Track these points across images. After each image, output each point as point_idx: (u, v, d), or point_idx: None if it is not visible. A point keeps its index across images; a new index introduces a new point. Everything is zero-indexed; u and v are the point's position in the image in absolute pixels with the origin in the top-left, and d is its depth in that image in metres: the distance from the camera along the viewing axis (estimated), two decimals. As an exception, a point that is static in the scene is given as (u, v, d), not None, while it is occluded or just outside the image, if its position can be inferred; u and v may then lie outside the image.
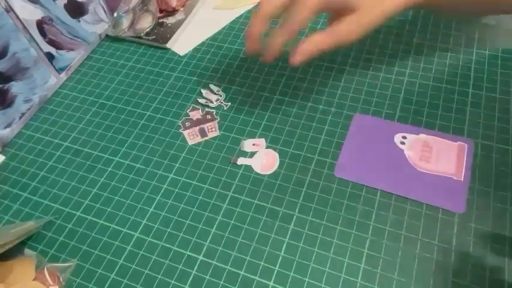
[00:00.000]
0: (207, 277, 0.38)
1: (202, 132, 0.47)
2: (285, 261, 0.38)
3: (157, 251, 0.40)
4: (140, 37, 0.59)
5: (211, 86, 0.52)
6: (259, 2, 0.41)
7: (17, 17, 0.47)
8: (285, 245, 0.39)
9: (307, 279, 0.37)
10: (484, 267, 0.36)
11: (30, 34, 0.49)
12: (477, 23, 0.54)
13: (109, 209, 0.43)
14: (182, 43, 0.58)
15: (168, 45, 0.57)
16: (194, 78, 0.53)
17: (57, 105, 0.53)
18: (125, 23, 0.60)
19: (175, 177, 0.44)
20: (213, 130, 0.47)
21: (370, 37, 0.54)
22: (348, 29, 0.39)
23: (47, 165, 0.47)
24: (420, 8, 0.48)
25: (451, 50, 0.52)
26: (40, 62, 0.51)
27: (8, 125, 0.49)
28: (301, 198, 0.42)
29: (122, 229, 0.41)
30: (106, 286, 0.38)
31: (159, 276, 0.38)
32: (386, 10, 0.39)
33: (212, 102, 0.50)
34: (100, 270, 0.39)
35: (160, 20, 0.61)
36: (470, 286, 0.35)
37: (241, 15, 0.60)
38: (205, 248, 0.39)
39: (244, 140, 0.46)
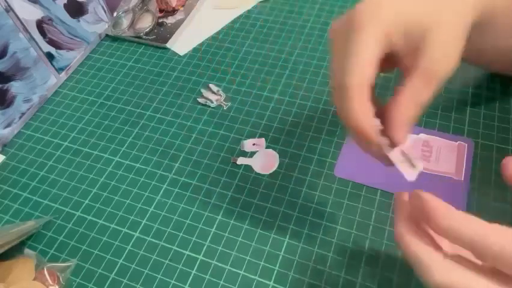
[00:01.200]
0: (207, 277, 0.38)
1: None
2: (285, 261, 0.38)
3: (157, 251, 0.40)
4: (140, 37, 0.59)
5: (211, 86, 0.52)
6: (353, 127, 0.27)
7: (17, 17, 0.47)
8: (285, 245, 0.39)
9: (307, 279, 0.37)
10: (484, 267, 0.36)
11: (30, 34, 0.49)
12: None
13: (109, 209, 0.43)
14: (182, 43, 0.58)
15: (168, 45, 0.57)
16: (194, 78, 0.53)
17: (57, 105, 0.53)
18: (125, 22, 0.60)
19: (175, 177, 0.44)
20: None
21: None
22: (443, 56, 0.26)
23: (47, 165, 0.47)
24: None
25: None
26: (40, 61, 0.51)
27: (8, 125, 0.49)
28: (301, 198, 0.41)
29: (122, 229, 0.41)
30: (106, 286, 0.38)
31: (159, 276, 0.38)
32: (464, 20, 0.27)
33: (212, 102, 0.50)
34: (99, 270, 0.39)
35: (160, 20, 0.61)
36: (470, 286, 0.35)
37: (241, 15, 0.60)
38: (205, 248, 0.39)
39: (244, 140, 0.46)
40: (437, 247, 0.24)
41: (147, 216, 0.42)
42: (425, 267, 0.23)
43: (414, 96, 0.26)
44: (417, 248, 0.24)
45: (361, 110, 0.26)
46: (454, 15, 0.27)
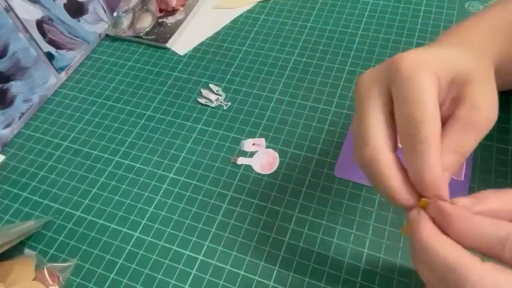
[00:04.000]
0: (207, 277, 0.38)
1: None
2: (285, 260, 0.38)
3: (157, 251, 0.40)
4: (140, 37, 0.59)
5: (211, 86, 0.52)
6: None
7: (17, 16, 0.47)
8: (285, 245, 0.39)
9: (307, 279, 0.37)
10: (483, 267, 0.36)
11: (30, 34, 0.49)
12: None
13: (109, 209, 0.43)
14: (182, 43, 0.58)
15: (168, 44, 0.57)
16: (194, 78, 0.53)
17: (57, 104, 0.53)
18: (125, 22, 0.60)
19: (175, 177, 0.44)
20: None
21: (370, 36, 0.54)
22: (485, 105, 0.26)
23: (46, 165, 0.47)
24: None
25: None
26: (40, 61, 0.51)
27: (8, 125, 0.49)
28: (301, 198, 0.41)
29: (122, 229, 0.41)
30: (106, 286, 0.38)
31: (159, 276, 0.38)
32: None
33: (212, 102, 0.50)
34: (99, 270, 0.39)
35: (160, 20, 0.61)
36: (470, 286, 0.35)
37: (241, 15, 0.60)
38: (205, 248, 0.39)
39: (244, 140, 0.46)
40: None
41: (147, 216, 0.42)
42: (465, 269, 0.21)
43: (454, 144, 0.25)
44: (452, 250, 0.22)
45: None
46: (487, 67, 0.27)
